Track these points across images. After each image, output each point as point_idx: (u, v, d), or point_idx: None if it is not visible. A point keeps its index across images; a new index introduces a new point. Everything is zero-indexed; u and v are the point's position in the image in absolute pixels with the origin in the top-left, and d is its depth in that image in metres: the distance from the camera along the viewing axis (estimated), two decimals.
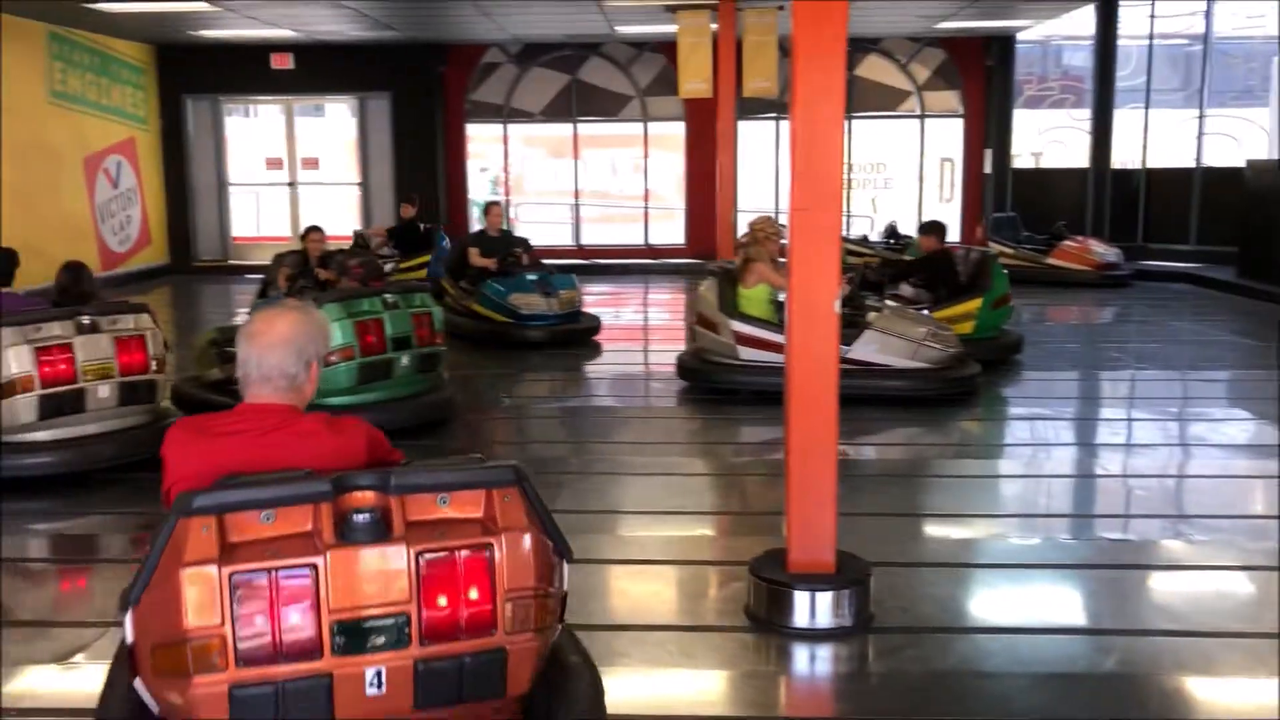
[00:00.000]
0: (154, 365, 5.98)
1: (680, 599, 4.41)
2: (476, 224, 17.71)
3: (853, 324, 7.33)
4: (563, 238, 17.21)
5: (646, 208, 17.48)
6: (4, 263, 5.95)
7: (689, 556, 4.84)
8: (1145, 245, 15.54)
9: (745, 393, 7.46)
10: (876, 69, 16.90)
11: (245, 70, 16.47)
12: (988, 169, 16.74)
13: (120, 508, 5.53)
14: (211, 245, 17.27)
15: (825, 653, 3.79)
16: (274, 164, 17.38)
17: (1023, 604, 4.27)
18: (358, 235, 12.70)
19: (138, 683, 2.18)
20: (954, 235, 16.80)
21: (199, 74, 16.47)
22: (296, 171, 17.34)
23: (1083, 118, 16.83)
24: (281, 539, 2.12)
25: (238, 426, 2.41)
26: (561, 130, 17.25)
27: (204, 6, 12.44)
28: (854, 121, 16.84)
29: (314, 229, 9.49)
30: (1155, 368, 8.85)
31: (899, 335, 7.40)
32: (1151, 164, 15.75)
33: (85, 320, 5.71)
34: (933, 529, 5.32)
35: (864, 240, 14.94)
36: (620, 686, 3.61)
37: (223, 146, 17.26)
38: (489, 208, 11.25)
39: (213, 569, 2.03)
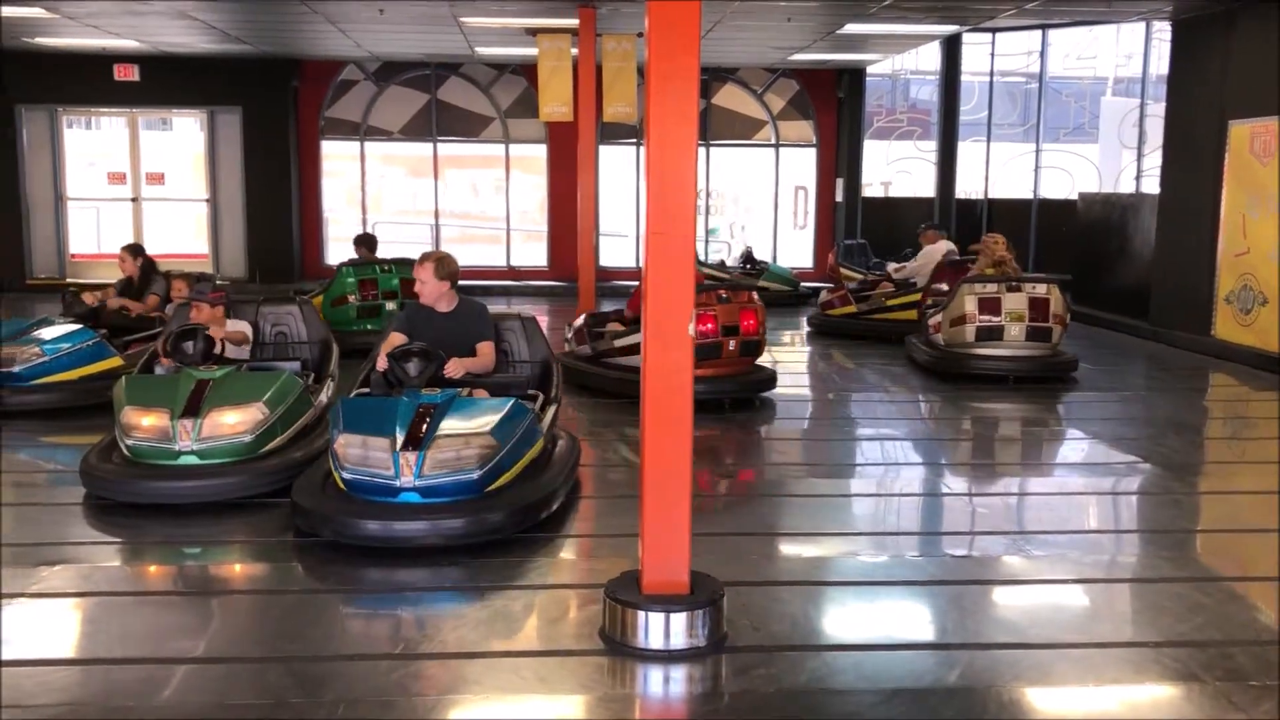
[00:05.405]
0: None
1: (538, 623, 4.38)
2: (334, 247, 17.13)
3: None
4: None
5: (508, 229, 17.41)
6: None
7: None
8: None
9: None
10: (733, 98, 17.26)
11: (86, 80, 15.80)
12: (839, 197, 17.26)
13: None
14: (48, 262, 16.47)
15: (679, 674, 3.81)
16: (117, 179, 16.70)
17: (871, 621, 4.38)
18: None
19: None
20: (808, 260, 17.33)
21: (35, 83, 15.72)
22: (141, 187, 16.69)
23: (929, 149, 17.52)
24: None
25: None
26: (421, 149, 17.06)
27: (39, 13, 11.87)
28: (711, 149, 17.15)
29: (124, 247, 9.15)
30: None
31: None
32: (993, 194, 16.49)
33: None
34: (786, 548, 5.41)
35: (721, 265, 15.21)
36: (474, 715, 3.56)
37: (61, 159, 16.49)
38: (421, 260, 5.95)
39: None
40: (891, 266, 12.54)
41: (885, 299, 11.79)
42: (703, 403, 5.73)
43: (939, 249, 11.78)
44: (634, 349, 8.55)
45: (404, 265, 11.02)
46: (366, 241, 11.63)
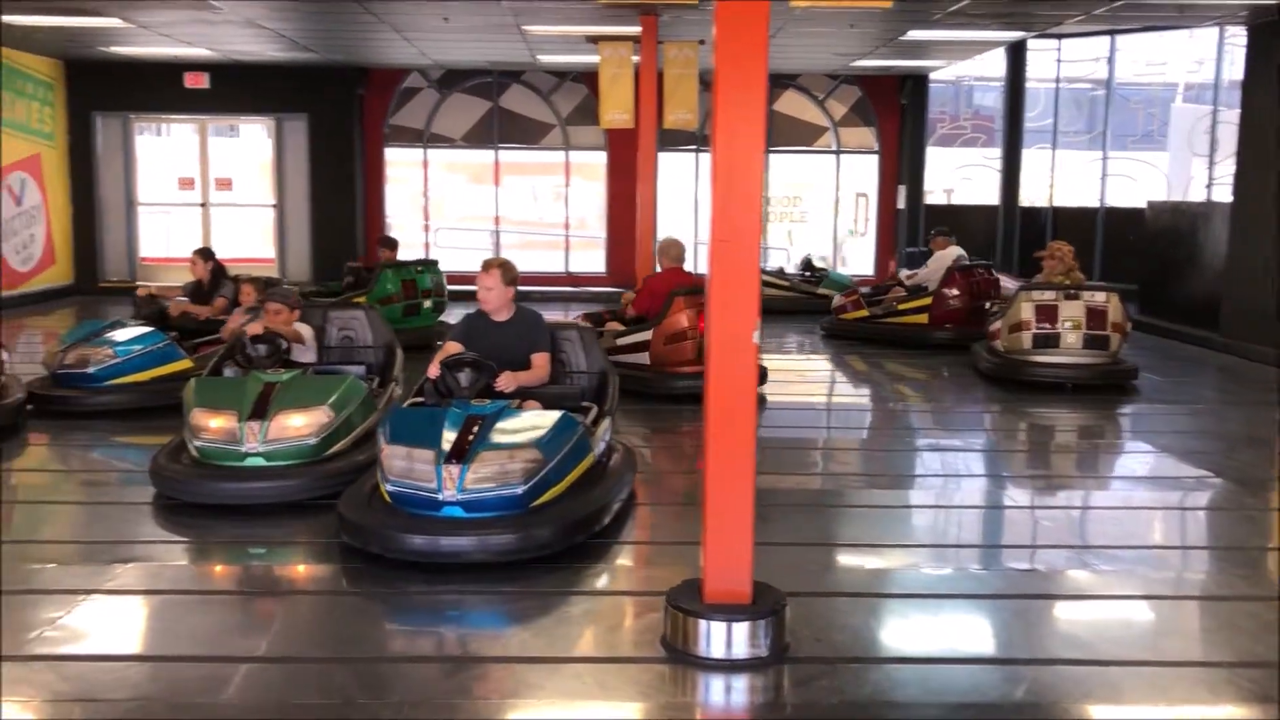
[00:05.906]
0: None
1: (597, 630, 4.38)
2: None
3: None
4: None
5: (567, 235, 17.49)
6: None
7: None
8: None
9: None
10: (794, 104, 17.18)
11: (158, 88, 16.13)
12: (901, 204, 17.09)
13: None
14: (119, 265, 16.84)
15: (741, 683, 3.79)
16: (186, 184, 17.02)
17: (935, 634, 4.33)
18: None
19: None
20: (868, 268, 17.18)
21: (109, 90, 16.10)
22: (209, 192, 17.00)
23: (993, 156, 17.29)
24: None
25: None
26: (483, 156, 17.21)
27: (116, 23, 12.16)
28: (771, 155, 17.08)
29: (195, 251, 9.34)
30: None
31: None
32: (1058, 202, 16.23)
33: None
34: (846, 558, 5.37)
35: (780, 272, 15.15)
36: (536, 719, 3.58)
37: (132, 165, 16.86)
38: (486, 267, 5.87)
39: None
40: (904, 272, 12.89)
41: (897, 303, 11.95)
42: (696, 396, 5.66)
43: (949, 254, 12.05)
44: (636, 347, 8.56)
45: (430, 265, 11.87)
46: (389, 243, 12.21)
